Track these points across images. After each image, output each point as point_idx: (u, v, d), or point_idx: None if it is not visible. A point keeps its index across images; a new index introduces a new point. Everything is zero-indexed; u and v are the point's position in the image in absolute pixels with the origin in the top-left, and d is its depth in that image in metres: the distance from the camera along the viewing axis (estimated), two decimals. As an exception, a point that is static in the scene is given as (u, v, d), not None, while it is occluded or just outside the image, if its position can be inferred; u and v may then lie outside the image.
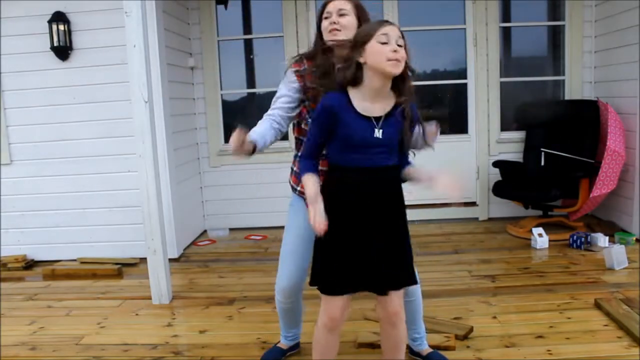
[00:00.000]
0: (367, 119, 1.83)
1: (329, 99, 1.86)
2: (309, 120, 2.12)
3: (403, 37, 1.80)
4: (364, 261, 1.87)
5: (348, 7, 2.05)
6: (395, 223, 1.91)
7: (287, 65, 2.16)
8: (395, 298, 1.95)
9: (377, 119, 1.84)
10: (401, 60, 1.77)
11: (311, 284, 1.95)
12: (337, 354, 2.04)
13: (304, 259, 2.24)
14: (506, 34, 5.11)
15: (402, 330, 2.01)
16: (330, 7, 2.07)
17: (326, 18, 2.07)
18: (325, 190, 1.88)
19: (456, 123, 5.27)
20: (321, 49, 2.08)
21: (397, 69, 1.77)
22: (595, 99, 4.61)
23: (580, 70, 4.93)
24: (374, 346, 2.56)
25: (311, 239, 2.02)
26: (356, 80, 1.83)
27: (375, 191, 1.87)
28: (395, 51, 1.76)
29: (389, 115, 1.85)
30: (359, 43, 1.81)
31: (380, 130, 1.82)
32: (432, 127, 2.00)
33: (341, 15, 2.04)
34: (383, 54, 1.76)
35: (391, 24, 1.82)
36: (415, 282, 2.06)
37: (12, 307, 3.47)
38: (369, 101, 1.84)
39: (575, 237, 4.07)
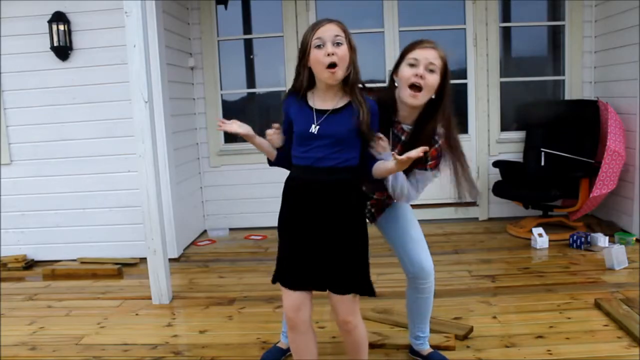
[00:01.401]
0: (312, 112, 1.88)
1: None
2: None
3: (345, 33, 1.82)
4: (308, 259, 1.90)
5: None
6: (344, 229, 1.89)
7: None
8: (344, 304, 1.93)
9: (324, 112, 1.87)
10: (339, 62, 1.79)
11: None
12: (315, 355, 2.04)
13: None
14: (506, 34, 5.11)
15: (357, 336, 2.00)
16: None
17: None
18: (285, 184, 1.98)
19: (456, 123, 5.26)
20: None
21: (334, 79, 1.81)
22: (595, 99, 4.61)
23: (580, 70, 4.93)
24: (373, 346, 2.56)
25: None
26: (310, 84, 1.91)
27: (320, 192, 1.88)
28: (330, 54, 1.77)
29: (338, 111, 1.87)
30: (301, 52, 1.87)
31: (317, 127, 1.85)
32: (380, 140, 1.89)
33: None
34: (320, 62, 1.80)
35: (328, 22, 1.83)
36: (367, 293, 1.94)
37: (12, 307, 3.47)
38: (322, 99, 1.89)
39: (575, 237, 4.07)
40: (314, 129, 1.84)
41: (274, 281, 2.00)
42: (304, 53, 1.84)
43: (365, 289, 1.94)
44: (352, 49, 1.83)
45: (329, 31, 1.79)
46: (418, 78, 1.91)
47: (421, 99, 1.95)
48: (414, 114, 2.03)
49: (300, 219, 1.90)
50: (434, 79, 1.92)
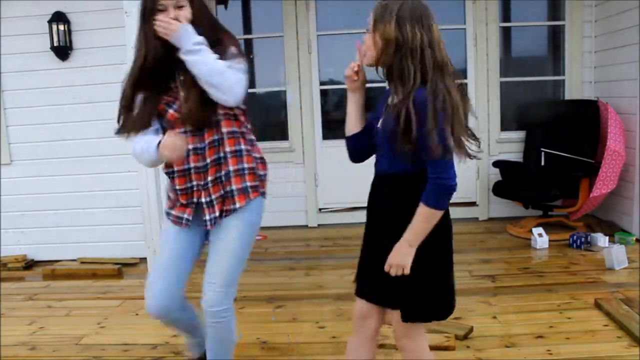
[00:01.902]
0: None
1: None
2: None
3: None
4: (368, 270, 1.79)
5: None
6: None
7: None
8: (394, 323, 1.79)
9: None
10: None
11: None
12: None
13: (176, 280, 2.10)
14: (506, 34, 5.11)
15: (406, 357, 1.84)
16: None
17: (161, 11, 1.83)
18: None
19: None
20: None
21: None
22: (595, 99, 4.61)
23: (580, 70, 4.92)
24: (374, 346, 2.56)
25: (184, 257, 2.04)
26: None
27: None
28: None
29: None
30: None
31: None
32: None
33: (179, 7, 1.85)
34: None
35: None
36: (414, 316, 1.73)
37: (12, 307, 3.47)
38: None
39: (575, 237, 4.07)
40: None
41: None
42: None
43: (413, 312, 1.71)
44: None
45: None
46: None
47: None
48: None
49: (371, 229, 1.83)
50: (186, 12, 1.86)
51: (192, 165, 1.95)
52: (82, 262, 4.23)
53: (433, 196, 1.62)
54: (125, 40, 3.14)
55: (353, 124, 1.79)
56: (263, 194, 2.09)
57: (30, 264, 4.34)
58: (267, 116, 5.44)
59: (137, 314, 3.25)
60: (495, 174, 4.76)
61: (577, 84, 4.94)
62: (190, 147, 1.92)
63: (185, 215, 2.02)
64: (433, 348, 2.50)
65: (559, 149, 4.49)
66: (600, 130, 4.40)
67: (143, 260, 3.82)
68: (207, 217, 1.99)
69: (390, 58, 1.61)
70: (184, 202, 2.00)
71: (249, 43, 5.28)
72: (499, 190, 4.58)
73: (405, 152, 1.58)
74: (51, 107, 4.22)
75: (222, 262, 2.03)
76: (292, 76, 5.02)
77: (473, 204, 5.12)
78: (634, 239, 4.07)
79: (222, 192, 1.97)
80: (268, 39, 5.16)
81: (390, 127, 1.61)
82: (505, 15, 5.06)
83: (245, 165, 1.99)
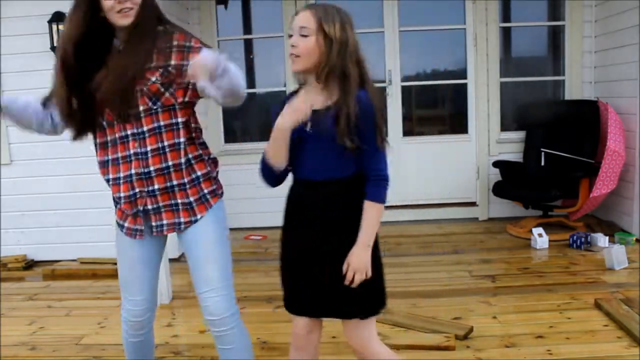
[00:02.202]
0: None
1: None
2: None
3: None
4: (308, 285, 1.74)
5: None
6: (343, 249, 1.66)
7: None
8: (349, 329, 1.77)
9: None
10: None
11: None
12: None
13: (150, 288, 2.06)
14: (506, 34, 5.11)
15: None
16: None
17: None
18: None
19: (456, 123, 5.27)
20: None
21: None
22: (595, 99, 4.61)
23: (580, 70, 4.93)
24: (374, 346, 2.56)
25: (149, 261, 2.01)
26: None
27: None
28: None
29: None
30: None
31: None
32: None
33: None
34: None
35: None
36: (364, 313, 1.73)
37: (12, 307, 3.48)
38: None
39: (575, 237, 4.07)
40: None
41: (285, 307, 1.88)
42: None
43: (369, 307, 1.74)
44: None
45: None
46: (122, 3, 1.72)
47: (132, 15, 1.76)
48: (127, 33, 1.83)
49: (303, 241, 1.80)
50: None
51: (133, 171, 1.86)
52: (82, 262, 4.23)
53: (378, 191, 1.67)
54: (125, 40, 3.13)
55: (284, 158, 1.72)
56: (221, 195, 1.98)
57: (30, 264, 4.34)
58: (267, 116, 5.43)
59: (137, 314, 3.25)
60: (495, 174, 4.76)
61: (577, 84, 4.94)
62: (132, 151, 1.84)
63: (137, 227, 1.96)
64: (433, 348, 2.52)
65: (559, 149, 4.49)
66: (600, 130, 4.40)
67: (143, 260, 3.82)
68: (153, 224, 1.93)
69: (334, 59, 1.61)
70: (129, 212, 1.94)
71: (249, 43, 5.28)
72: (499, 190, 4.58)
73: (350, 149, 1.60)
74: (51, 107, 4.22)
75: (212, 267, 1.92)
76: (292, 76, 5.01)
77: (473, 204, 5.12)
78: (634, 239, 4.07)
79: (173, 201, 1.88)
80: (268, 39, 5.17)
81: (328, 127, 1.61)
82: (505, 16, 5.07)
83: (199, 173, 1.90)
